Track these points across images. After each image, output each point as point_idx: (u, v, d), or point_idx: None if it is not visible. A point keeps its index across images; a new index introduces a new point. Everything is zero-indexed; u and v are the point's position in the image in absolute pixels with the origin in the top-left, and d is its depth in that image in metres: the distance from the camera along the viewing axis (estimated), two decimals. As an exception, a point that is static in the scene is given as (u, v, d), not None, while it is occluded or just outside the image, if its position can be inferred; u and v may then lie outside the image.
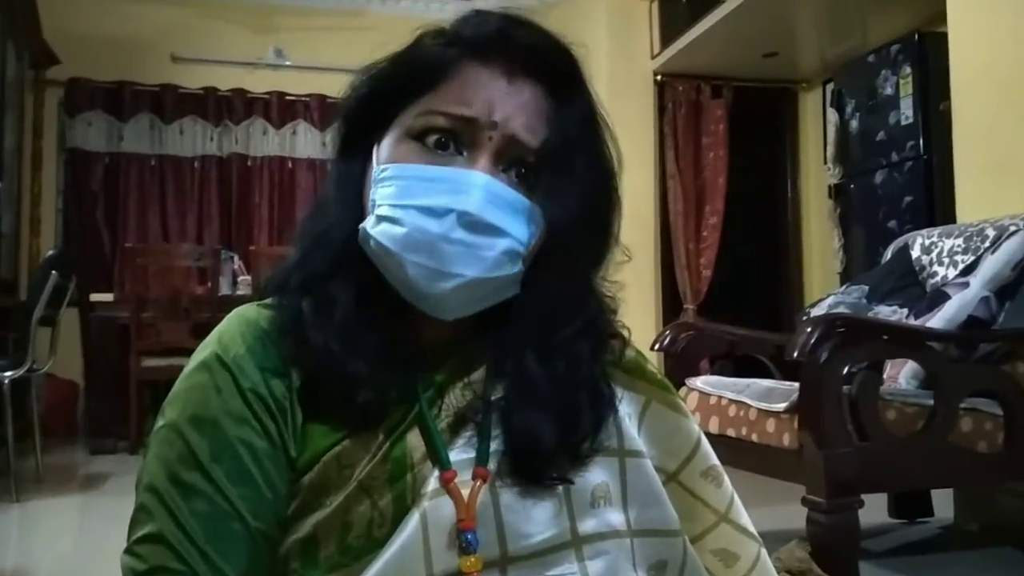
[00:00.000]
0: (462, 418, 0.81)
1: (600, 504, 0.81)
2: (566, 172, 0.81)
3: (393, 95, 0.83)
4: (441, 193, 0.77)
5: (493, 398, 0.82)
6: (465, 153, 0.80)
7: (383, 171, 0.80)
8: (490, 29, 0.82)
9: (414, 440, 0.79)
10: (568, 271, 0.83)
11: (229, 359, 0.78)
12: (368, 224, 0.79)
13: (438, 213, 0.76)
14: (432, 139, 0.80)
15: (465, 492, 0.77)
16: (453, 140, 0.80)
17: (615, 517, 0.82)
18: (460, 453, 0.79)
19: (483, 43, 0.81)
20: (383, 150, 0.82)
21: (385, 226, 0.78)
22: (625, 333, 0.91)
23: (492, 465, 0.79)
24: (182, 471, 0.75)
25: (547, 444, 0.79)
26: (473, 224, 0.76)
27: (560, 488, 0.80)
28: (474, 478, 0.78)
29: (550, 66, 0.82)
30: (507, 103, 0.80)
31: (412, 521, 0.75)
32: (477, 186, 0.77)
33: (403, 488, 0.77)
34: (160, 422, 0.78)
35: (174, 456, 0.75)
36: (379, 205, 0.79)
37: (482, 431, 0.81)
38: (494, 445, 0.80)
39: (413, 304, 0.80)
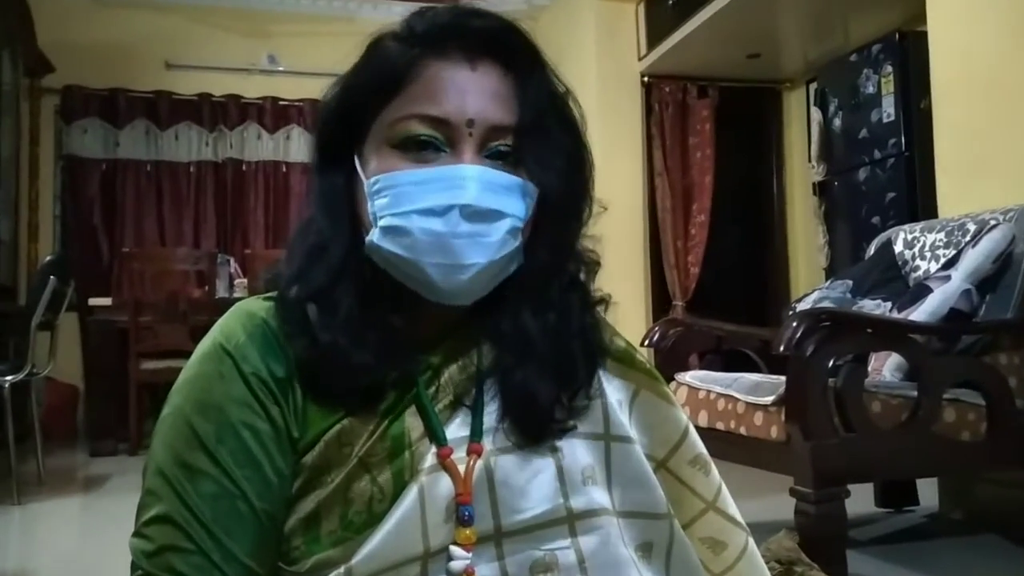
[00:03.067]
0: (457, 398, 0.84)
1: (588, 483, 0.83)
2: (545, 140, 0.83)
3: (362, 105, 0.84)
4: (437, 192, 0.79)
5: (487, 367, 0.85)
6: (448, 150, 0.81)
7: (375, 183, 0.81)
8: (443, 21, 0.83)
9: (412, 420, 0.82)
10: (560, 232, 0.86)
11: (231, 347, 0.80)
12: (375, 237, 0.81)
13: (439, 212, 0.78)
14: (414, 144, 0.81)
15: (461, 468, 0.79)
16: (434, 140, 0.81)
17: (602, 496, 0.84)
18: (456, 431, 0.82)
19: (439, 36, 0.82)
20: (370, 162, 0.83)
21: (393, 236, 0.80)
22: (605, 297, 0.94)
23: (487, 441, 0.82)
24: (188, 454, 0.77)
25: (544, 399, 0.82)
26: (475, 214, 0.79)
27: (553, 464, 0.82)
28: (469, 454, 0.81)
29: (507, 45, 0.84)
30: (477, 95, 0.81)
31: (410, 495, 0.78)
32: (470, 178, 0.79)
33: (402, 465, 0.80)
34: (166, 410, 0.80)
35: (180, 441, 0.77)
36: (381, 217, 0.80)
37: (476, 408, 0.84)
38: (488, 421, 0.83)
39: (430, 298, 0.82)
